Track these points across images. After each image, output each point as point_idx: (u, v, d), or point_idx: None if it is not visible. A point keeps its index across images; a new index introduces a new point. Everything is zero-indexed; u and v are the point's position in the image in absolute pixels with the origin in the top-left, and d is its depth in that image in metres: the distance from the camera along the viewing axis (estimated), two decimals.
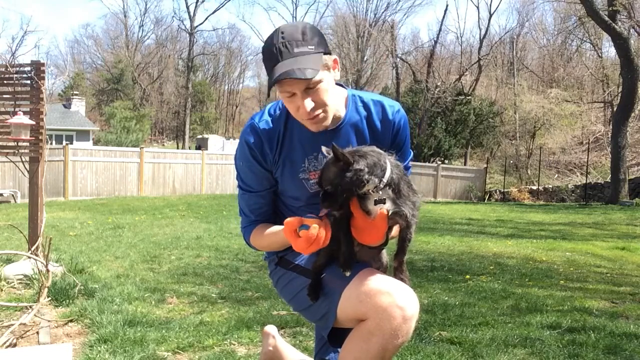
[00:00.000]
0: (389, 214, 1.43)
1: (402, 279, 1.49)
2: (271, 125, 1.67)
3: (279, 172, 1.69)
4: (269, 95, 1.65)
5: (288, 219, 1.49)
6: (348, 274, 1.50)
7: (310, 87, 1.51)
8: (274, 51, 1.50)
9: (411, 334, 1.44)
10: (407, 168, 1.79)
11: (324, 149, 1.54)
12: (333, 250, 1.57)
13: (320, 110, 1.55)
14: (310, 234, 1.41)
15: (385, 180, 1.40)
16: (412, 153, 1.84)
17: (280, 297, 1.86)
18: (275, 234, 1.66)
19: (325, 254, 1.57)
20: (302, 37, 1.50)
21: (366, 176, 1.38)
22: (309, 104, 1.52)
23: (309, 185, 1.69)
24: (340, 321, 1.53)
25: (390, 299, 1.40)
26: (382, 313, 1.39)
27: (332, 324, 1.54)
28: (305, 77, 1.45)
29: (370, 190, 1.41)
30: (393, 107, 1.74)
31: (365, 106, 1.73)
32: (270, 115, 1.69)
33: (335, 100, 1.62)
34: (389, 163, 1.43)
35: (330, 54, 1.57)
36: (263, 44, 1.57)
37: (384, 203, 1.42)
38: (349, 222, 1.49)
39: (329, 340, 1.59)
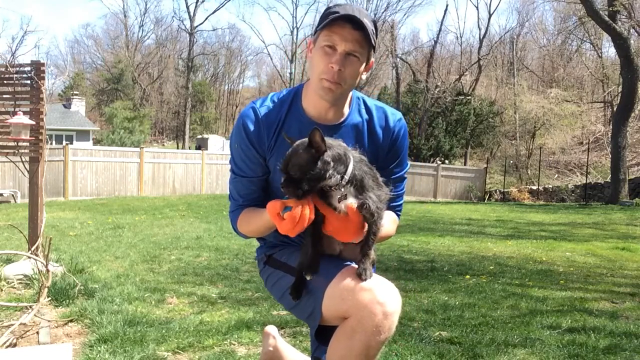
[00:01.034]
0: (352, 207, 1.42)
1: (364, 270, 1.46)
2: (272, 112, 1.66)
3: (273, 160, 1.67)
4: (315, 35, 1.62)
5: (270, 202, 1.48)
6: (309, 277, 1.52)
7: (353, 54, 1.54)
8: (346, 7, 1.54)
9: (394, 329, 1.43)
10: (402, 179, 1.78)
11: (285, 135, 1.55)
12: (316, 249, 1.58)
13: (341, 80, 1.56)
14: (294, 214, 1.40)
15: (347, 177, 1.41)
16: (409, 165, 1.84)
17: (272, 296, 1.86)
18: (261, 217, 1.63)
19: (306, 253, 1.58)
20: (372, 19, 1.57)
21: (330, 171, 1.38)
22: (341, 64, 1.53)
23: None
24: (326, 319, 1.53)
25: (370, 295, 1.40)
26: (363, 310, 1.39)
27: (318, 323, 1.54)
28: (369, 32, 1.51)
29: (332, 188, 1.41)
30: (395, 115, 1.75)
31: (368, 110, 1.73)
32: (272, 102, 1.69)
33: (351, 89, 1.64)
34: (352, 159, 1.43)
35: (375, 52, 1.62)
36: (329, 5, 1.62)
37: (346, 199, 1.42)
38: (315, 226, 1.48)
39: (317, 338, 1.58)
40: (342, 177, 1.40)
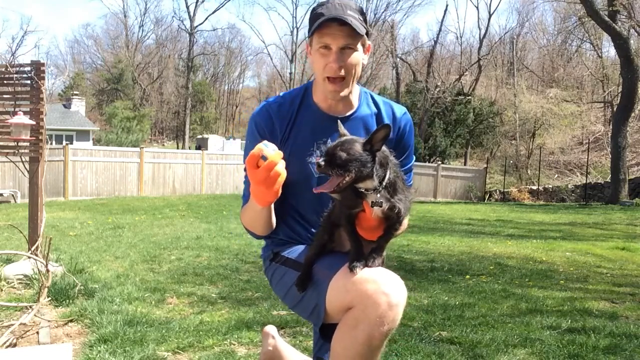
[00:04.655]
0: (385, 210, 1.43)
1: (372, 258, 1.47)
2: (284, 107, 1.74)
3: (286, 154, 1.68)
4: (310, 41, 1.67)
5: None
6: (358, 270, 1.45)
7: (347, 47, 1.60)
8: (328, 5, 1.59)
9: (398, 321, 1.43)
10: (409, 171, 1.81)
11: (340, 125, 1.52)
12: (325, 241, 1.59)
13: (344, 73, 1.62)
14: (271, 163, 1.41)
15: (384, 183, 1.41)
16: (414, 158, 1.87)
17: (275, 295, 1.85)
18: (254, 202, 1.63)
19: (317, 246, 1.60)
20: (356, 7, 1.63)
21: (375, 173, 1.38)
22: (339, 61, 1.60)
23: (315, 171, 1.70)
24: (330, 314, 1.52)
25: (375, 286, 1.40)
26: (367, 300, 1.39)
27: (323, 316, 1.53)
28: (355, 26, 1.55)
29: (369, 190, 1.41)
30: (401, 109, 1.81)
31: (376, 104, 1.79)
32: (283, 98, 1.77)
33: (357, 77, 1.68)
34: (391, 164, 1.44)
35: (369, 36, 1.66)
36: (314, 6, 1.66)
37: (380, 206, 1.42)
38: (351, 220, 1.49)
39: (321, 335, 1.58)
40: (381, 182, 1.40)
